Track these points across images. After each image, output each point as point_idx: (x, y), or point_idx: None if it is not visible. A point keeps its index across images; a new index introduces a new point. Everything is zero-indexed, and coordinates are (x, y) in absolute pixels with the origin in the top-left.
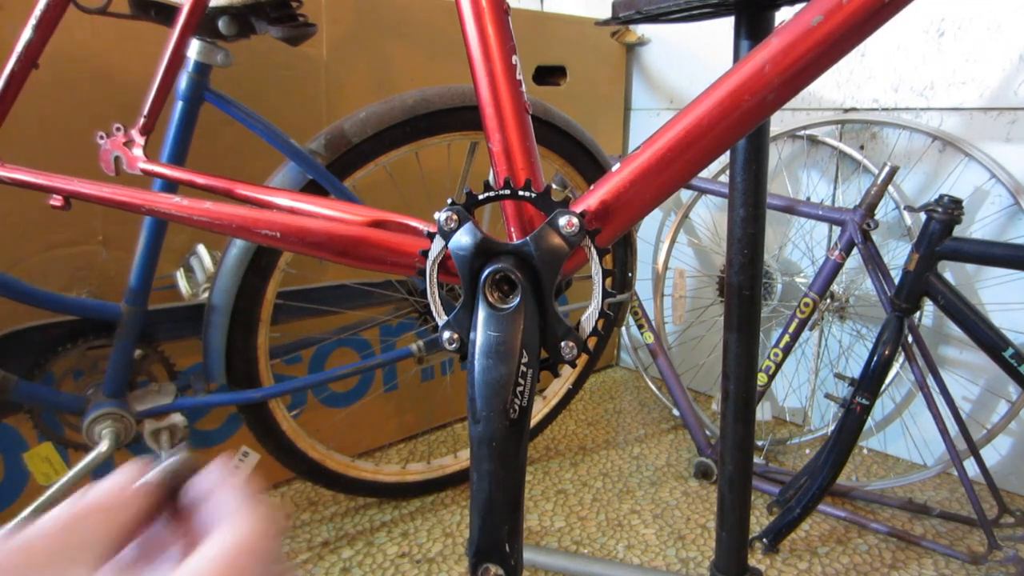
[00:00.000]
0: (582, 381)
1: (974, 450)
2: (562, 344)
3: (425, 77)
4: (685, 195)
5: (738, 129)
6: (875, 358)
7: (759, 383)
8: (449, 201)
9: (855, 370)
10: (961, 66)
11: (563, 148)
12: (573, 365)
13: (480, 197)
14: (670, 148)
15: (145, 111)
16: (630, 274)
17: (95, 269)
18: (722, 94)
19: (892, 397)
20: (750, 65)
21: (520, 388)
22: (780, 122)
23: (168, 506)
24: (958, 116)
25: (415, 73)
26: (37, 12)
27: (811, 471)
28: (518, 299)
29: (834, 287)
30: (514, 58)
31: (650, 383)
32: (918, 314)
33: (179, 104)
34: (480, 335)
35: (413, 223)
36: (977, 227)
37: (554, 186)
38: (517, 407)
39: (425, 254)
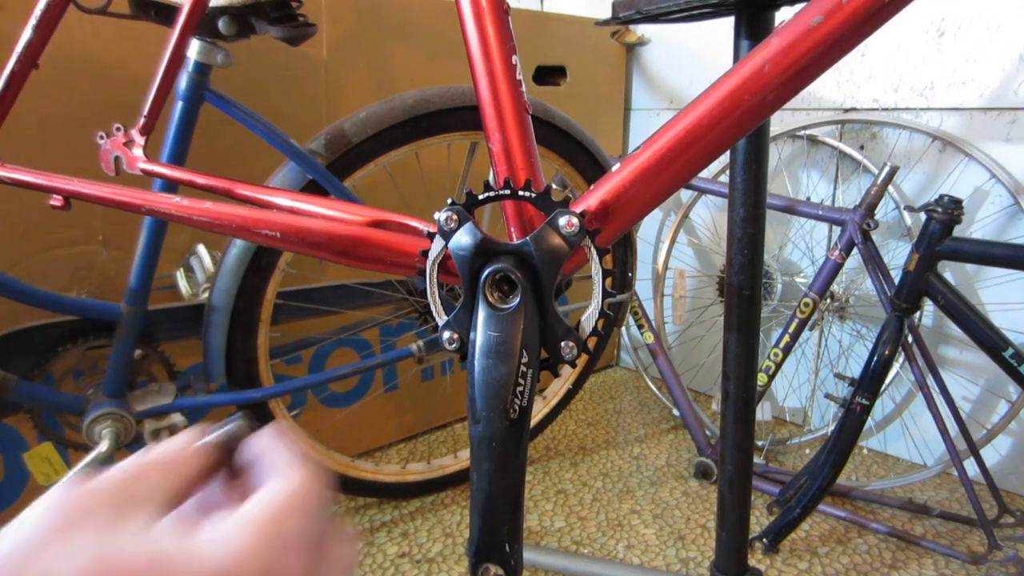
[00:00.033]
0: (582, 381)
1: (974, 450)
2: (562, 344)
3: (425, 77)
4: (685, 195)
5: (738, 129)
6: (875, 358)
7: (759, 383)
8: (449, 201)
9: (855, 370)
10: (961, 66)
11: (563, 148)
12: (573, 365)
13: (480, 197)
14: (670, 148)
15: (145, 111)
16: (630, 274)
17: (95, 269)
18: (722, 94)
19: (892, 397)
20: (750, 65)
21: (520, 388)
22: (780, 122)
23: (224, 466)
24: (958, 116)
25: (415, 73)
26: (37, 12)
27: (811, 471)
28: (518, 299)
29: (834, 287)
30: (514, 58)
31: (650, 383)
32: (918, 314)
33: (179, 104)
34: (480, 335)
35: (413, 223)
36: (977, 227)
37: (554, 186)
38: (517, 407)
39: (425, 254)
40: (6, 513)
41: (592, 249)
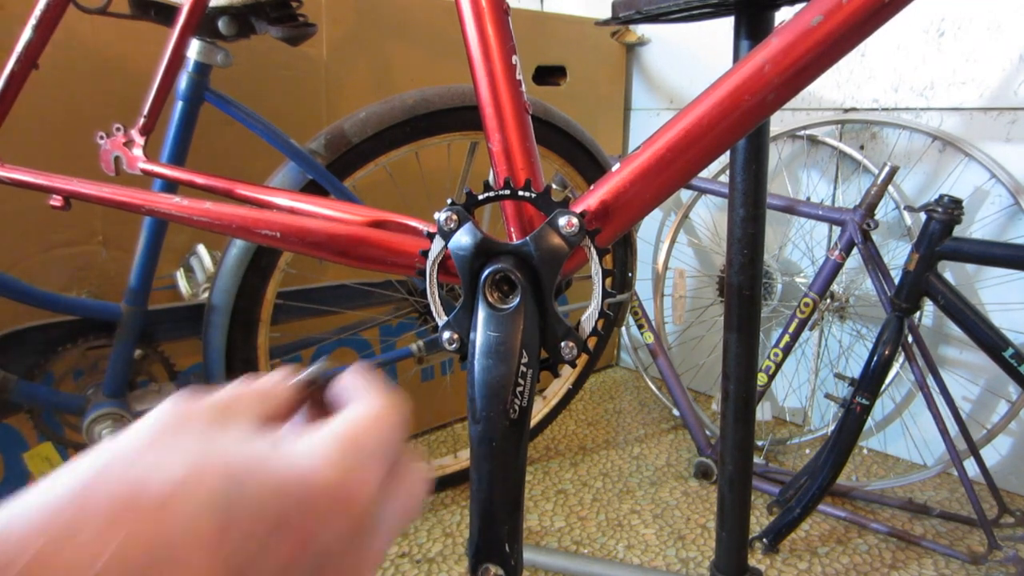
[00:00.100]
0: (582, 381)
1: (974, 450)
2: (562, 344)
3: (425, 77)
4: (685, 195)
5: (738, 129)
6: (875, 358)
7: (759, 383)
8: (449, 201)
9: (855, 370)
10: (961, 66)
11: (563, 148)
12: (573, 365)
13: (480, 197)
14: (670, 148)
15: (145, 111)
16: (630, 274)
17: (95, 269)
18: (722, 94)
19: (892, 397)
20: (750, 65)
21: (520, 388)
22: (780, 122)
23: (311, 402)
24: (958, 116)
25: (415, 73)
26: (37, 12)
27: (811, 471)
28: (518, 299)
29: (834, 287)
30: (514, 58)
31: (650, 383)
32: (918, 314)
33: (179, 104)
34: (480, 335)
35: (413, 223)
36: (977, 227)
37: (554, 186)
38: (517, 407)
39: (425, 254)
40: None
41: (592, 249)
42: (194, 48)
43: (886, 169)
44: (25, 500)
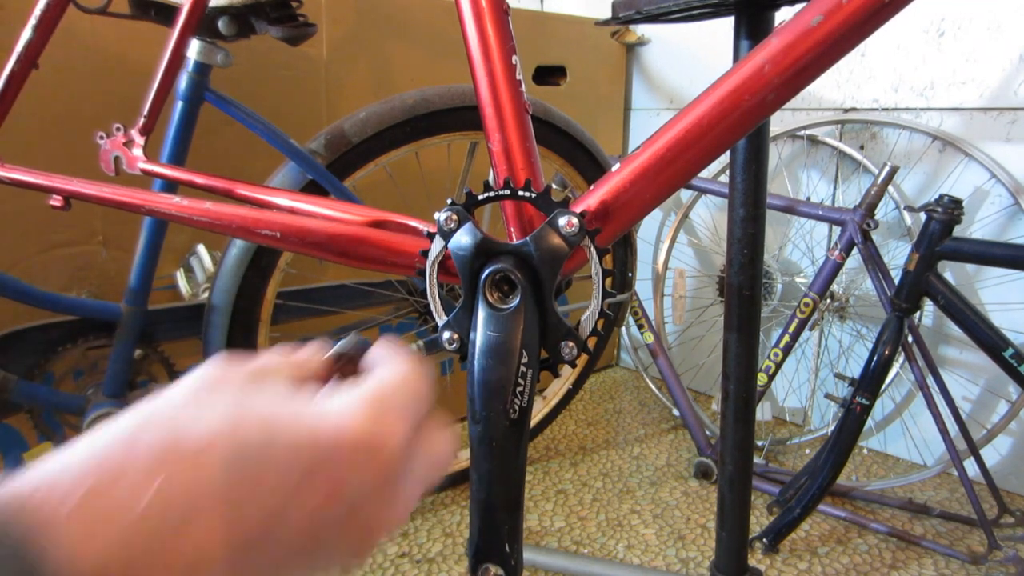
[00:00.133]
0: (582, 381)
1: (974, 450)
2: (562, 344)
3: (425, 77)
4: (685, 195)
5: (738, 129)
6: (875, 358)
7: (759, 383)
8: (449, 201)
9: (855, 370)
10: (961, 66)
11: (563, 148)
12: (573, 365)
13: (480, 197)
14: (670, 148)
15: (145, 111)
16: (630, 274)
17: (95, 269)
18: (722, 94)
19: (892, 397)
20: (750, 65)
21: (520, 388)
22: (780, 122)
23: (341, 374)
24: (958, 116)
25: (415, 73)
26: (37, 12)
27: (811, 471)
28: (518, 299)
29: (834, 287)
30: (514, 58)
31: (650, 383)
32: (918, 314)
33: (179, 104)
34: (480, 335)
35: (413, 223)
36: (977, 227)
37: (554, 186)
38: (517, 407)
39: (425, 254)
40: None
41: (592, 249)
42: (194, 48)
43: (886, 169)
44: (78, 447)
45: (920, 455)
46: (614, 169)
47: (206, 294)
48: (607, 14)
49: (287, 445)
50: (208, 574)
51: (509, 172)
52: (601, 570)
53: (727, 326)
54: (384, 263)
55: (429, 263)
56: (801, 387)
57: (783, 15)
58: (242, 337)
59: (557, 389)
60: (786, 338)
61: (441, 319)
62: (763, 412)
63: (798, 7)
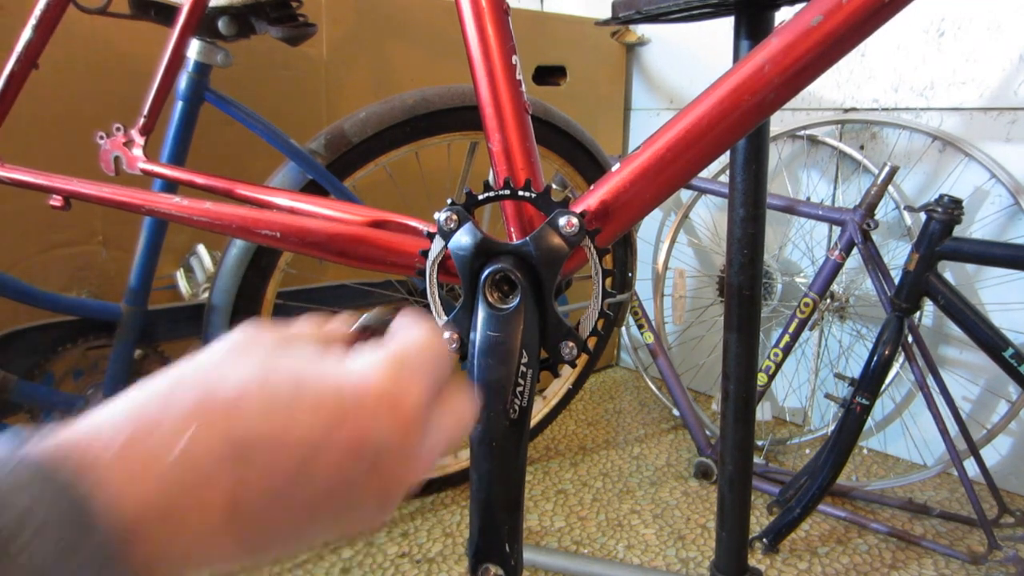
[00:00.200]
0: (582, 381)
1: (974, 450)
2: (562, 344)
3: (425, 77)
4: (685, 195)
5: (738, 129)
6: (875, 358)
7: (759, 383)
8: (449, 201)
9: (855, 370)
10: (961, 66)
11: (563, 148)
12: (573, 365)
13: (480, 197)
14: (670, 148)
15: (145, 111)
16: (630, 274)
17: (95, 269)
18: (722, 94)
19: (892, 397)
20: (750, 65)
21: (520, 388)
22: (780, 122)
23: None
24: (958, 116)
25: (415, 73)
26: (37, 12)
27: (811, 471)
28: (518, 299)
29: (834, 287)
30: (514, 58)
31: (650, 383)
32: (918, 314)
33: (179, 104)
34: (480, 335)
35: (413, 223)
36: (977, 227)
37: (554, 186)
38: (517, 407)
39: (425, 254)
40: None
41: (592, 249)
42: (194, 48)
43: (886, 169)
44: (117, 403)
45: (920, 455)
46: (614, 169)
47: (206, 294)
48: (607, 14)
49: (312, 399)
50: (244, 516)
51: (509, 172)
52: (601, 570)
53: (727, 326)
54: (384, 263)
55: (429, 263)
56: (801, 387)
57: (783, 15)
58: None
59: (557, 389)
60: (786, 338)
61: (441, 319)
62: (763, 412)
63: (798, 7)
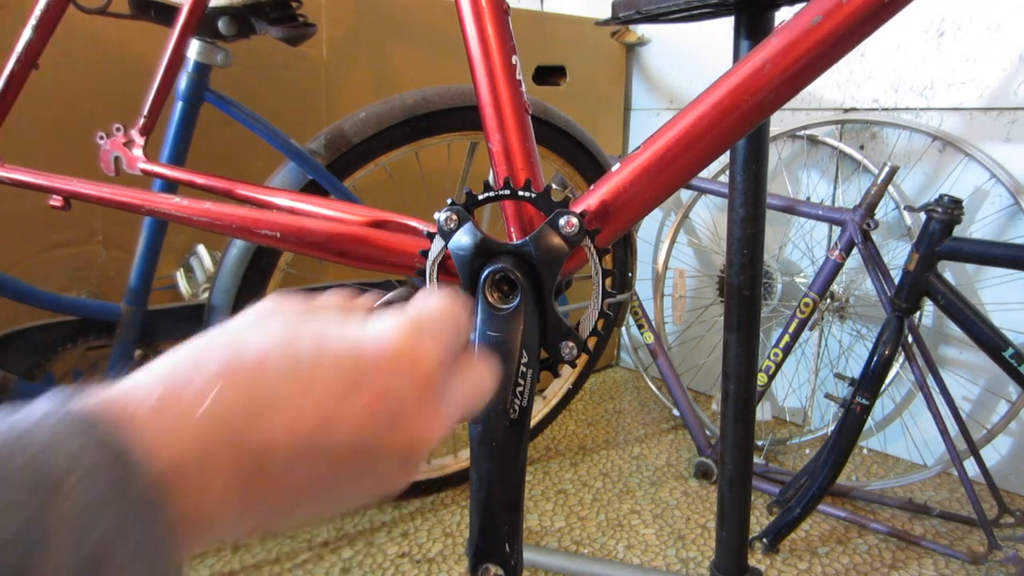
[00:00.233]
0: (582, 381)
1: (974, 450)
2: (562, 344)
3: (425, 77)
4: (685, 195)
5: (738, 129)
6: (875, 358)
7: (759, 383)
8: (449, 201)
9: (855, 370)
10: (961, 66)
11: (563, 148)
12: (573, 365)
13: (480, 197)
14: (670, 148)
15: (145, 111)
16: (630, 274)
17: (95, 269)
18: (722, 94)
19: (892, 397)
20: (750, 65)
21: (520, 388)
22: (780, 122)
23: None
24: (958, 116)
25: (415, 73)
26: (37, 12)
27: (811, 471)
28: (518, 299)
29: (834, 287)
30: (514, 58)
31: (650, 383)
32: (918, 314)
33: (179, 104)
34: (480, 335)
35: (413, 223)
36: (977, 227)
37: (554, 186)
38: (517, 407)
39: (425, 254)
40: None
41: (592, 249)
42: (194, 48)
43: (886, 169)
44: (151, 367)
45: (920, 455)
46: (614, 169)
47: (206, 294)
48: (607, 14)
49: (333, 358)
50: (272, 466)
51: (509, 172)
52: (601, 570)
53: (727, 326)
54: (384, 263)
55: (429, 263)
56: (801, 387)
57: (783, 15)
58: None
59: (557, 389)
60: (786, 338)
61: None
62: (763, 412)
63: (798, 7)
